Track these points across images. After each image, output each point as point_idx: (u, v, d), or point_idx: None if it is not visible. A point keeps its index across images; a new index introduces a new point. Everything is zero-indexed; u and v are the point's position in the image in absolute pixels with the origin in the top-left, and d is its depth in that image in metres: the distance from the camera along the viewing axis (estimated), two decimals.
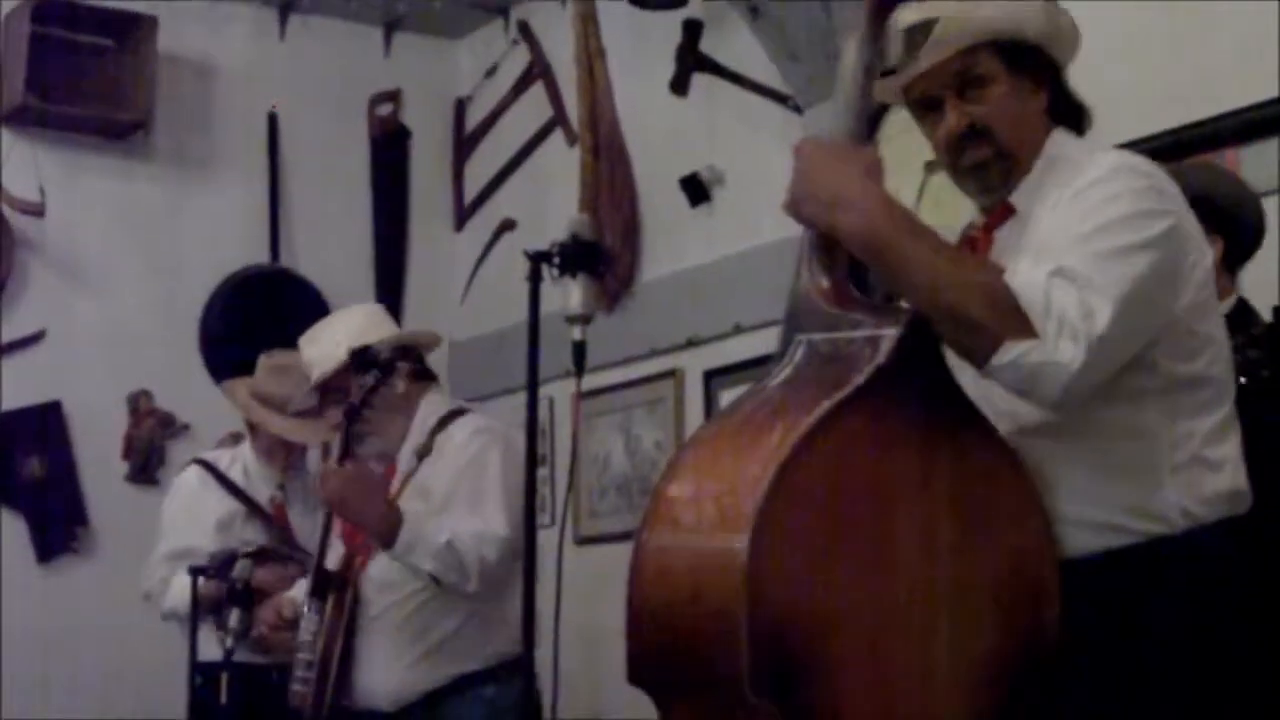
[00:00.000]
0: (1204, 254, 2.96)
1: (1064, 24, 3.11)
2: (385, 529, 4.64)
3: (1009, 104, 3.02)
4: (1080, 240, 2.78)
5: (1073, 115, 3.12)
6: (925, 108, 3.08)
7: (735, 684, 2.55)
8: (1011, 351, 2.70)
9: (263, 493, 5.87)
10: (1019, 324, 2.70)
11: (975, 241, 3.08)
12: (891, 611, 2.66)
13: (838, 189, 2.85)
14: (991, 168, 3.04)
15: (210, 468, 5.91)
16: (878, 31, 2.96)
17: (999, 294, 2.72)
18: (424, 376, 5.04)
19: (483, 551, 4.64)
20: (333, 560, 4.92)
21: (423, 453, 4.83)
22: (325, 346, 4.98)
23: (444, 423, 4.88)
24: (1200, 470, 2.88)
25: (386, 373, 4.76)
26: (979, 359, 2.74)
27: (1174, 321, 2.86)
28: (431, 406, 4.96)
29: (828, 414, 2.64)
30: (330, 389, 4.98)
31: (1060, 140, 3.06)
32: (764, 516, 2.56)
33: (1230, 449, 2.94)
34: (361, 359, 4.81)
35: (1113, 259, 2.75)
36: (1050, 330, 2.69)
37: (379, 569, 4.77)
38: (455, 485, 4.75)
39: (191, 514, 5.82)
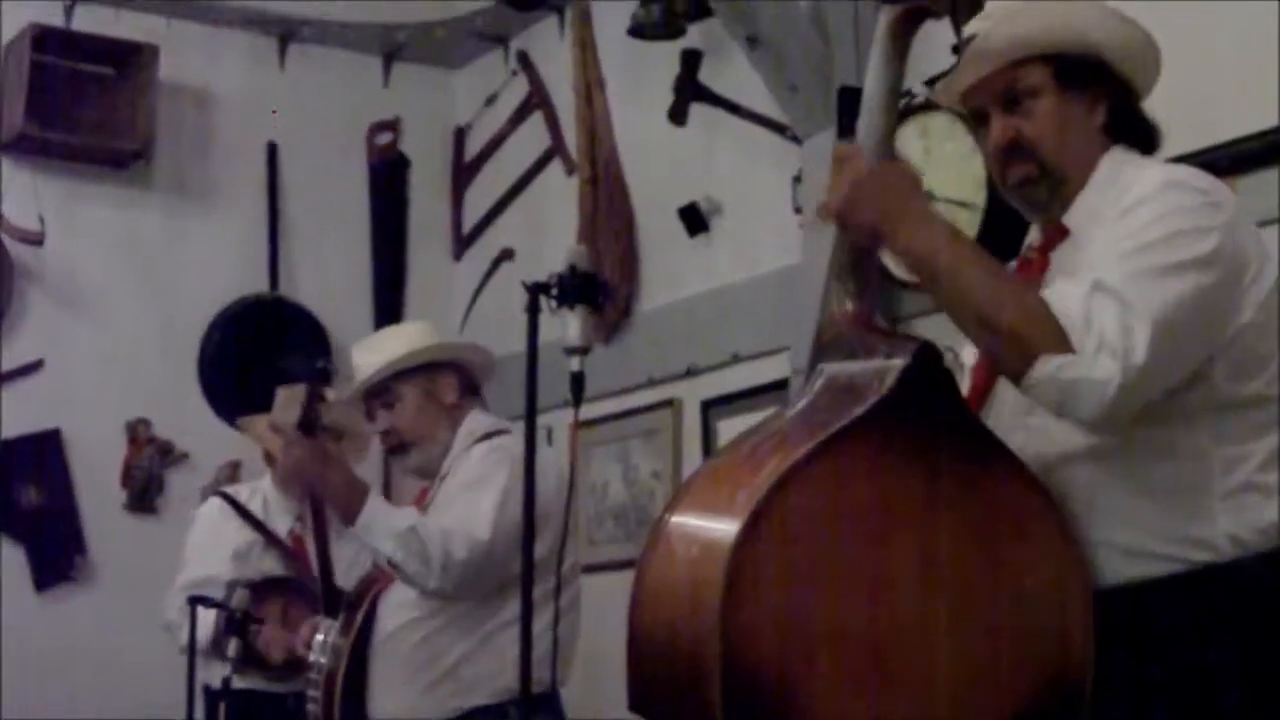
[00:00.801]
0: (1267, 270, 2.86)
1: (1132, 35, 3.04)
2: (347, 500, 4.62)
3: (1056, 118, 2.95)
4: (1122, 258, 2.73)
5: (1140, 133, 3.05)
6: (977, 120, 3.05)
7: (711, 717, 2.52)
8: (1049, 365, 2.65)
9: (282, 524, 5.92)
10: (1057, 338, 2.65)
11: (1032, 263, 3.02)
12: (884, 646, 2.59)
13: (896, 200, 2.81)
14: (1037, 185, 2.98)
15: (230, 499, 5.99)
16: (901, 49, 2.88)
17: (1037, 309, 2.69)
18: (472, 392, 5.02)
19: (449, 546, 4.54)
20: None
21: (445, 475, 4.82)
22: (368, 357, 4.98)
23: (480, 441, 4.85)
24: (1253, 496, 2.79)
25: (324, 381, 4.79)
26: (1016, 373, 2.70)
27: (1232, 339, 2.78)
28: (474, 424, 4.93)
29: (819, 446, 2.60)
30: (375, 396, 4.96)
31: (1119, 159, 2.98)
32: (740, 547, 2.52)
33: None
34: (306, 371, 4.83)
35: (1153, 279, 2.69)
36: (1090, 346, 2.64)
37: (399, 592, 4.75)
38: (454, 495, 4.73)
39: (210, 545, 5.90)
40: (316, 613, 5.42)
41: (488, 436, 4.87)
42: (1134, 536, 2.79)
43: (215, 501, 6.05)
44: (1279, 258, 4.00)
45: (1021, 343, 2.68)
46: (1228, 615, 2.76)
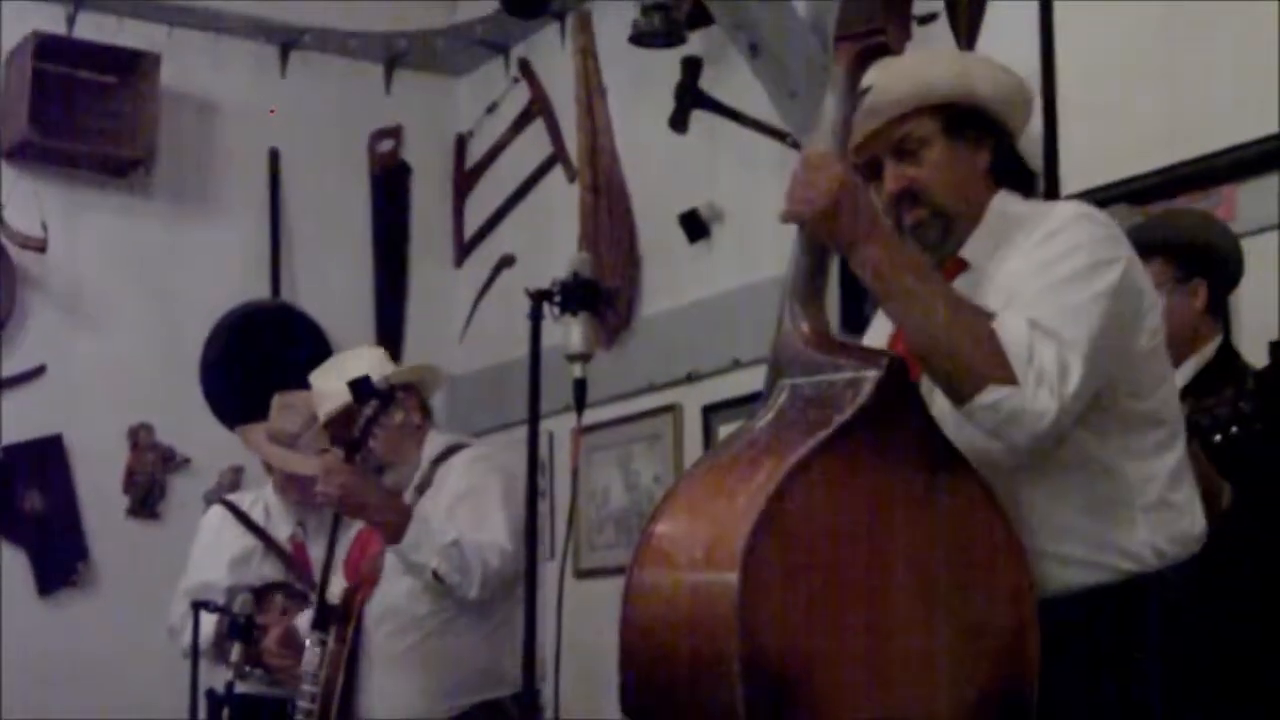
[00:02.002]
0: (1155, 298, 3.05)
1: (1009, 85, 3.17)
2: (394, 522, 4.67)
3: (946, 166, 3.08)
4: (1049, 290, 2.87)
5: (1018, 176, 3.18)
6: (870, 170, 3.12)
7: (731, 717, 2.57)
8: (993, 394, 2.78)
9: (283, 530, 5.94)
10: (1002, 369, 2.78)
11: None
12: (883, 645, 2.68)
13: (865, 214, 2.87)
14: (929, 228, 3.09)
15: (232, 506, 6.02)
16: (855, 84, 3.00)
17: (988, 339, 2.79)
18: (428, 413, 5.11)
19: (486, 556, 4.67)
20: (335, 594, 4.95)
21: (422, 486, 4.87)
22: (330, 383, 5.03)
23: (443, 457, 4.93)
24: (1166, 512, 2.97)
25: (386, 402, 4.79)
26: (962, 397, 2.81)
27: (1131, 361, 2.94)
28: (435, 442, 5.03)
29: (813, 450, 2.67)
30: (339, 425, 5.00)
31: (1006, 198, 3.12)
32: (753, 550, 2.58)
33: (1189, 491, 3.03)
34: (359, 390, 4.84)
35: (1079, 312, 2.84)
36: (1030, 379, 2.77)
37: (381, 602, 4.80)
38: (454, 509, 4.78)
39: (211, 551, 5.93)
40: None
41: (453, 450, 4.94)
42: (1066, 546, 2.93)
43: (218, 509, 6.08)
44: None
45: (971, 371, 2.80)
46: (1156, 622, 2.93)
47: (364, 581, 4.87)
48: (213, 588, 5.67)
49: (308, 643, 4.87)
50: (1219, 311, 4.21)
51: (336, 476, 4.70)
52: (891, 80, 3.06)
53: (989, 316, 2.83)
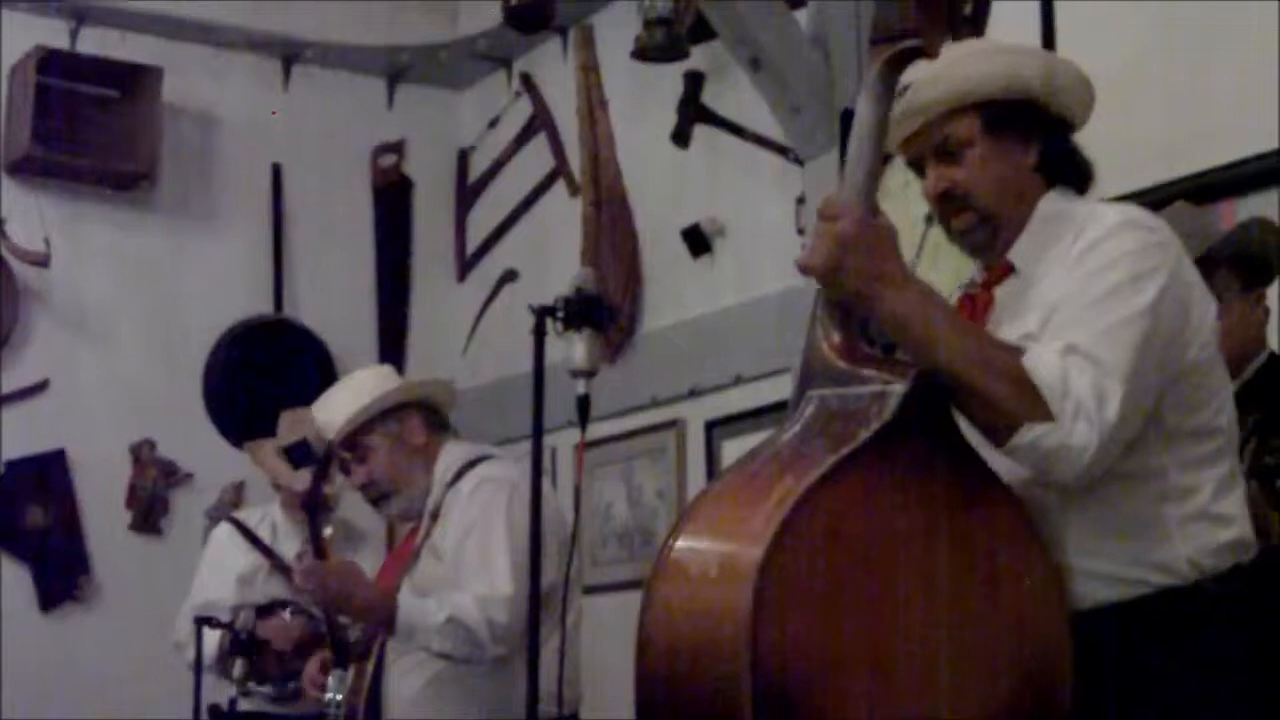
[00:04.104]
0: (1208, 306, 2.95)
1: (1061, 75, 3.08)
2: (380, 617, 4.58)
3: (988, 166, 3.02)
4: (1085, 310, 2.80)
5: (1073, 172, 3.10)
6: (916, 169, 3.10)
7: None
8: (1030, 434, 2.71)
9: (290, 548, 5.92)
10: (1038, 407, 2.71)
11: (975, 299, 3.08)
12: (896, 664, 2.65)
13: (880, 263, 2.80)
14: (975, 231, 3.04)
15: (238, 524, 6.02)
16: (890, 87, 2.91)
17: (1020, 377, 2.73)
18: (440, 427, 5.03)
19: (490, 615, 4.52)
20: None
21: (435, 512, 4.78)
22: (330, 415, 4.97)
23: (457, 476, 4.82)
24: (1207, 524, 2.88)
25: (324, 464, 4.77)
26: (999, 438, 2.75)
27: (1180, 375, 2.86)
28: (450, 458, 4.89)
29: (833, 468, 2.64)
30: (346, 451, 4.95)
31: (1056, 198, 3.04)
32: (767, 568, 2.56)
33: (1236, 500, 2.94)
34: (293, 456, 4.79)
35: (1117, 332, 2.76)
36: (1067, 412, 2.70)
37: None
38: (462, 544, 4.66)
39: (217, 569, 5.93)
40: (319, 635, 5.44)
41: (470, 465, 4.85)
42: (1101, 562, 2.87)
43: (226, 527, 6.07)
44: None
45: (1004, 412, 2.74)
46: (1192, 635, 2.86)
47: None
48: (218, 606, 5.67)
49: (329, 680, 4.78)
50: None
51: (314, 577, 4.60)
52: (929, 79, 3.00)
53: (1019, 353, 2.77)
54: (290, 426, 5.92)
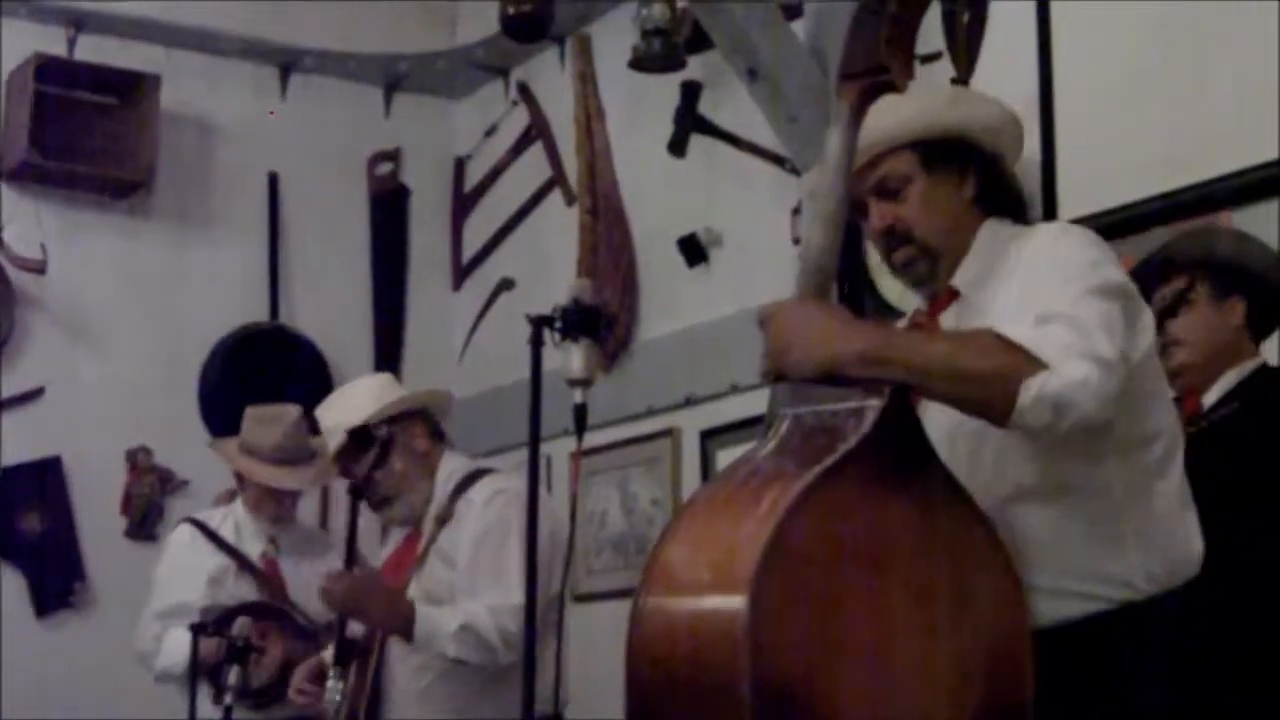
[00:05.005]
0: (1150, 317, 3.02)
1: (990, 112, 3.20)
2: (399, 626, 4.70)
3: (928, 202, 3.11)
4: (1049, 292, 2.84)
5: (1010, 202, 3.19)
6: (857, 209, 3.14)
7: None
8: (1031, 388, 2.70)
9: (254, 548, 5.91)
10: (1029, 363, 2.71)
11: (922, 327, 3.15)
12: (885, 671, 2.69)
13: (821, 327, 2.83)
14: (918, 263, 3.13)
15: (201, 525, 5.97)
16: (859, 121, 2.98)
17: (999, 345, 2.75)
18: (439, 437, 5.08)
19: (502, 624, 4.67)
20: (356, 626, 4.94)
21: (443, 518, 4.84)
22: (334, 419, 5.02)
23: (463, 486, 4.89)
24: (1161, 533, 2.94)
25: (386, 450, 4.81)
26: (1003, 407, 2.73)
27: (1131, 374, 2.88)
28: (449, 467, 5.00)
29: (820, 478, 2.69)
30: (344, 460, 5.00)
31: (996, 227, 3.12)
32: (762, 577, 2.60)
33: (1185, 511, 3.00)
34: (361, 438, 4.86)
35: (1085, 298, 2.81)
36: (1055, 355, 2.71)
37: (399, 639, 4.78)
38: (476, 553, 4.78)
39: (183, 572, 5.87)
40: (296, 637, 5.46)
41: (473, 477, 4.91)
42: (1055, 578, 2.92)
43: (186, 528, 6.02)
44: None
45: (995, 379, 2.73)
46: (1150, 652, 2.91)
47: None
48: (187, 609, 5.63)
49: (329, 679, 4.83)
50: (1262, 335, 4.19)
51: (339, 583, 4.74)
52: (869, 122, 3.03)
53: (988, 330, 2.80)
54: (253, 421, 5.92)
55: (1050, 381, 2.70)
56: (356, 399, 5.08)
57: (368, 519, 5.15)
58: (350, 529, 4.91)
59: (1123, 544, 2.91)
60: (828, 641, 2.66)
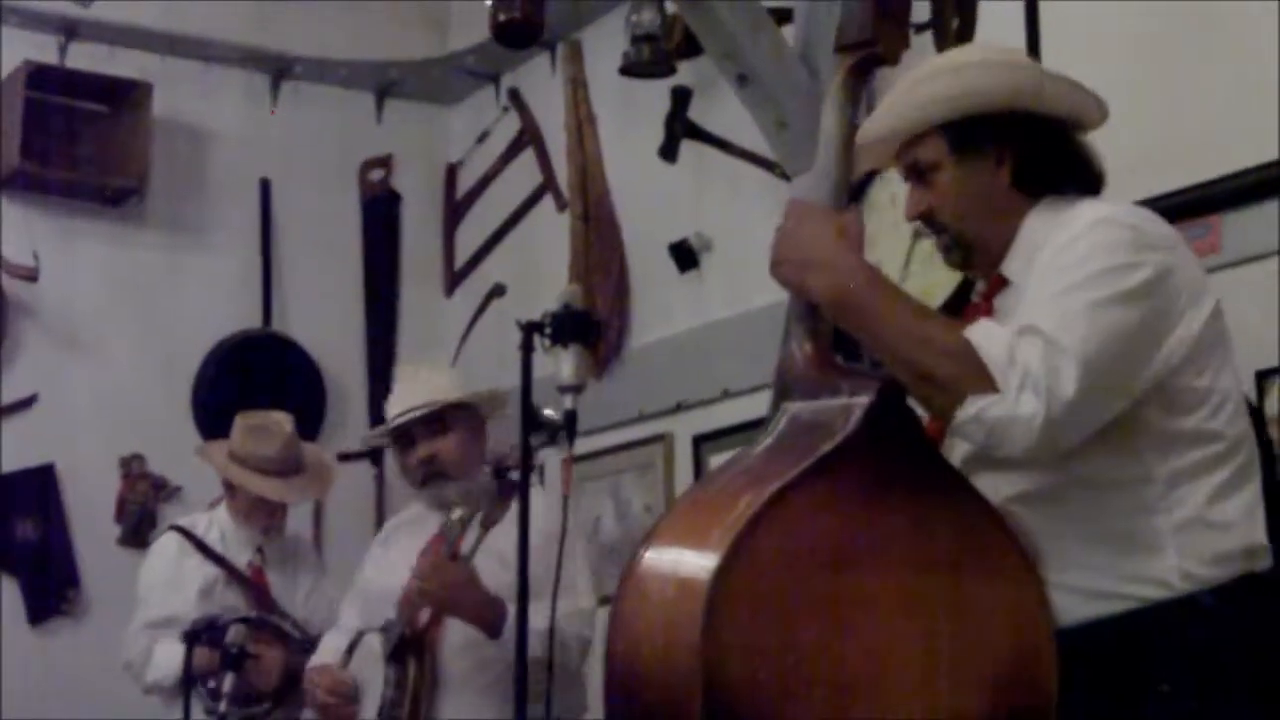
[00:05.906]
0: (1201, 302, 2.87)
1: (1030, 80, 3.03)
2: (489, 622, 4.68)
3: (956, 190, 2.99)
4: (1051, 299, 2.75)
5: (1066, 175, 3.04)
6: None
7: None
8: (973, 406, 2.68)
9: (240, 556, 5.87)
10: (980, 380, 2.68)
11: (978, 308, 3.03)
12: (858, 679, 2.62)
13: (810, 251, 2.83)
14: (951, 252, 3.04)
15: (188, 534, 5.92)
16: (855, 95, 2.95)
17: (960, 351, 2.71)
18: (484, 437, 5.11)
19: (580, 630, 4.77)
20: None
21: (489, 521, 4.80)
22: (427, 385, 5.01)
23: (503, 490, 4.84)
24: (1202, 530, 2.80)
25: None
26: (944, 415, 2.73)
27: (1166, 374, 2.80)
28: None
29: (792, 481, 2.64)
30: (424, 422, 4.98)
31: (1046, 210, 2.98)
32: (720, 579, 2.55)
33: (1238, 506, 2.84)
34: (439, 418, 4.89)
35: (1081, 316, 2.71)
36: (1013, 383, 2.66)
37: (463, 631, 4.76)
38: (544, 557, 4.71)
39: (172, 582, 5.82)
40: (288, 645, 5.44)
41: (504, 469, 4.90)
42: (1086, 577, 2.82)
43: (172, 536, 5.96)
44: (1279, 290, 3.98)
45: (946, 386, 2.71)
46: (1181, 649, 2.79)
47: (433, 619, 4.84)
48: (179, 621, 5.58)
49: (382, 677, 4.78)
50: None
51: (441, 574, 4.70)
52: (886, 105, 3.00)
53: (960, 329, 2.75)
54: (245, 430, 5.89)
55: (992, 409, 2.67)
56: (448, 376, 5.16)
57: (361, 519, 5.14)
58: (449, 520, 4.83)
59: (1159, 544, 2.79)
60: (793, 650, 2.58)
